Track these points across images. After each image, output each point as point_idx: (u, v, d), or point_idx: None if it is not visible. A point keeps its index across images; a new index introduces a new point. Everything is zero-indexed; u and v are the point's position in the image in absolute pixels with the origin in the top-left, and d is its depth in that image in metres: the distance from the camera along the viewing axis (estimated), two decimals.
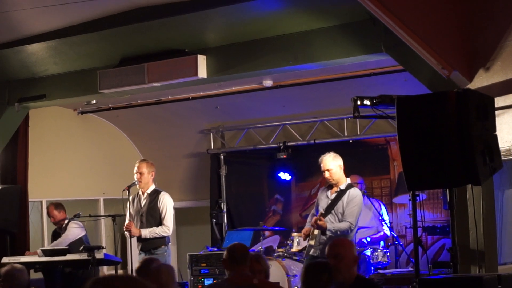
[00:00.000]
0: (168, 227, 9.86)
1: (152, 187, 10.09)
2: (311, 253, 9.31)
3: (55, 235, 11.08)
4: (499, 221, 8.15)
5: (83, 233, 10.92)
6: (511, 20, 7.57)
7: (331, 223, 9.18)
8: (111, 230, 11.01)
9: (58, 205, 11.03)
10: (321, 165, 9.39)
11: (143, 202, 10.03)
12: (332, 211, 9.26)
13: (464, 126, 6.51)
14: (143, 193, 10.08)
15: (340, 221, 9.23)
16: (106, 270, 12.14)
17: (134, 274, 7.46)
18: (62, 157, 12.92)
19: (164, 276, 6.07)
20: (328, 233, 9.12)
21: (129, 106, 12.74)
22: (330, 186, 9.51)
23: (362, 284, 6.72)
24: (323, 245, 9.14)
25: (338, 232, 9.12)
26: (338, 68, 10.21)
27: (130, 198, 10.10)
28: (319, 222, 9.08)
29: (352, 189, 9.38)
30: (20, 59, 10.65)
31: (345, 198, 9.29)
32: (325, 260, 6.76)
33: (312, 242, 9.27)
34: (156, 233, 9.81)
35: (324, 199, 9.47)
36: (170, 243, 10.05)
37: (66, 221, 10.88)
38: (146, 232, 9.80)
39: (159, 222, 9.89)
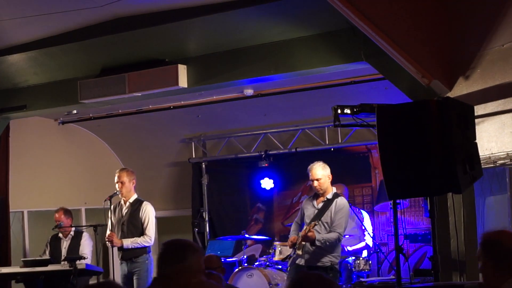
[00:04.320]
0: (150, 237, 9.83)
1: (134, 196, 10.05)
2: (297, 262, 9.29)
3: (56, 241, 11.00)
4: (480, 229, 8.19)
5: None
6: (490, 29, 7.61)
7: (318, 233, 9.09)
8: (92, 240, 10.96)
9: (67, 211, 11.02)
10: (310, 174, 9.30)
11: (124, 211, 10.00)
12: (319, 221, 9.18)
13: (445, 135, 6.53)
14: (125, 202, 10.04)
15: (327, 231, 9.18)
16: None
17: None
18: (43, 167, 12.87)
19: None
20: (317, 243, 9.06)
21: (110, 116, 12.70)
22: (315, 195, 9.43)
23: None
24: (309, 254, 9.13)
25: (327, 243, 9.07)
26: (318, 76, 10.21)
27: (112, 207, 10.07)
28: (309, 234, 9.00)
29: (339, 198, 9.30)
30: (0, 70, 10.61)
31: (332, 207, 9.21)
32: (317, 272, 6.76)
33: (299, 252, 9.22)
34: (138, 243, 9.78)
35: (310, 208, 9.38)
36: (151, 252, 10.03)
37: (72, 230, 10.88)
38: (128, 243, 9.77)
39: (140, 231, 9.85)
